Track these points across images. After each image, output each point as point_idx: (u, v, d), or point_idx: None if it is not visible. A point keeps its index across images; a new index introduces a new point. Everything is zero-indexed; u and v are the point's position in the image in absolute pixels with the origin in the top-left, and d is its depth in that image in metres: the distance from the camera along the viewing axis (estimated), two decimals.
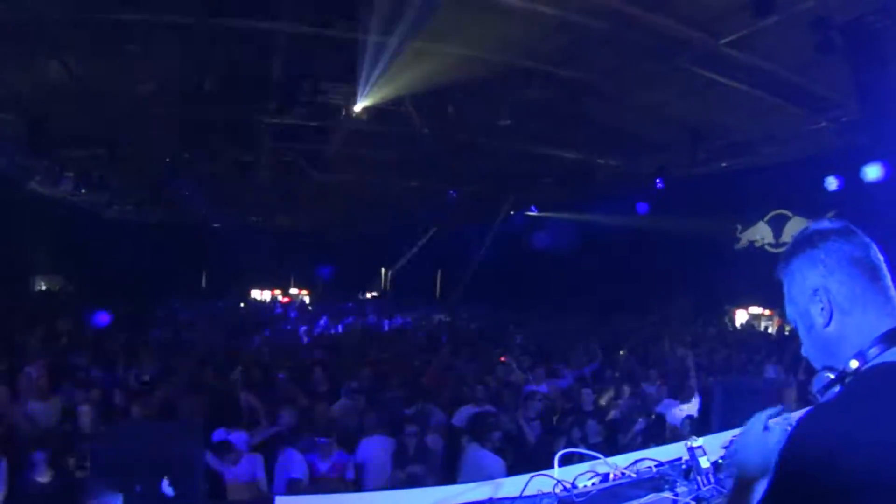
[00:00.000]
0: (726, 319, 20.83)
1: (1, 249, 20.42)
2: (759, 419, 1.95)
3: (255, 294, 34.90)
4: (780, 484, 1.67)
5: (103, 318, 17.10)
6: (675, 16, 10.23)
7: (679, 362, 13.13)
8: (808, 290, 1.88)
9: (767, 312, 19.59)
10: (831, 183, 13.88)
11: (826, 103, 13.10)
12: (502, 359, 14.01)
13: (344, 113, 13.52)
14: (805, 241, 1.94)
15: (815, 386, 1.86)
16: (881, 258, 1.87)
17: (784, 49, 11.03)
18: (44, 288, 28.43)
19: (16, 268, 23.62)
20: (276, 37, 11.07)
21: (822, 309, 1.83)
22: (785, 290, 1.98)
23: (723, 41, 10.67)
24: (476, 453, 8.12)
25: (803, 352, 1.95)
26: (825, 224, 1.94)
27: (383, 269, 36.67)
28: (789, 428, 1.81)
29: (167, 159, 18.46)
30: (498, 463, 7.90)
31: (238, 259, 30.77)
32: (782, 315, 2.09)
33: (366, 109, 13.34)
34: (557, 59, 12.11)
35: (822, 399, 1.84)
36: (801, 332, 1.93)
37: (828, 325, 1.83)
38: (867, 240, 1.90)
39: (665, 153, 17.23)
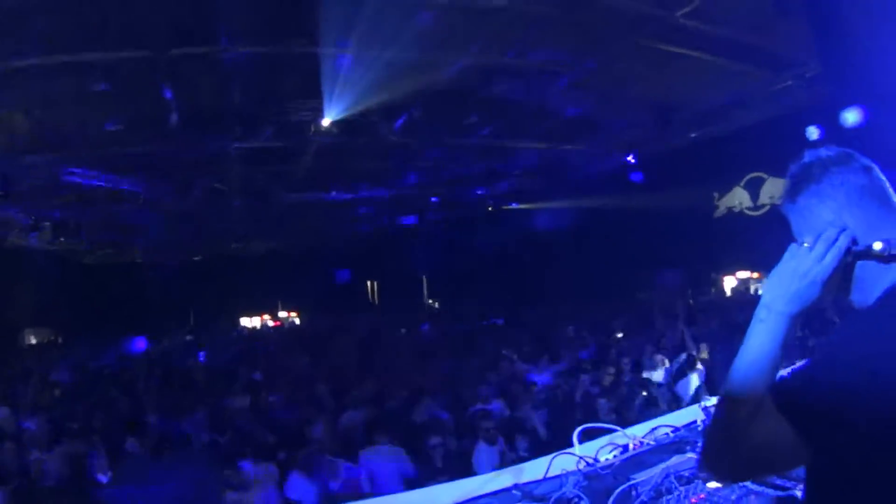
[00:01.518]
0: (712, 289, 20.94)
1: None
2: (792, 247, 1.88)
3: (245, 321, 34.71)
4: (812, 379, 1.73)
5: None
6: None
7: (677, 336, 13.22)
8: (821, 226, 1.84)
9: (755, 275, 19.69)
10: (812, 133, 13.91)
11: (788, 61, 13.15)
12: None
13: (312, 129, 13.46)
14: (807, 177, 1.91)
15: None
16: (884, 178, 1.87)
17: (740, 13, 11.10)
18: (33, 341, 28.15)
19: (4, 323, 23.50)
20: (234, 61, 11.03)
21: None
22: (793, 226, 1.95)
23: (680, 13, 10.67)
24: (478, 447, 8.24)
25: None
26: (822, 153, 1.92)
27: (369, 283, 36.60)
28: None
29: (140, 199, 18.31)
30: (488, 452, 8.00)
31: (223, 289, 30.66)
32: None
33: (333, 123, 13.34)
34: (516, 52, 12.11)
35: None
36: None
37: None
38: (867, 162, 1.89)
39: (634, 131, 17.24)
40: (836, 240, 1.79)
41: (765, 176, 18.70)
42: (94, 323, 26.72)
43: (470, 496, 3.20)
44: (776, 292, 1.82)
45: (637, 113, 16.06)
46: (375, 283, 36.49)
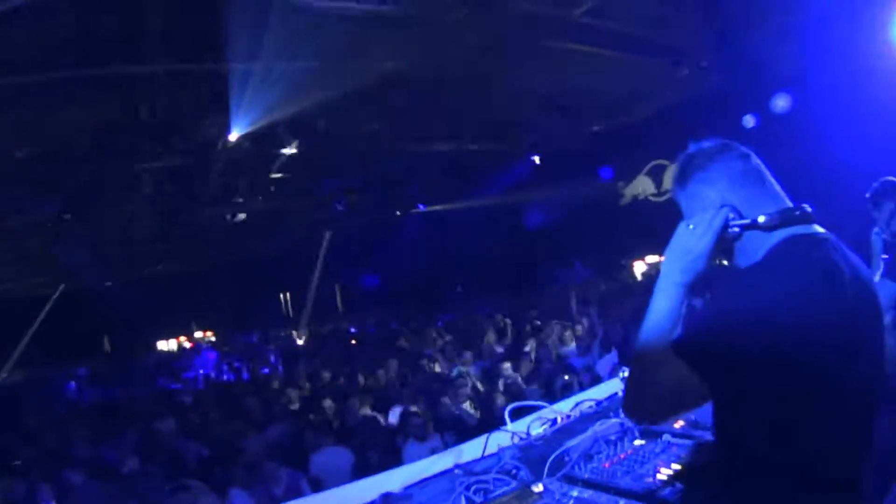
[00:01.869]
0: (624, 274, 21.39)
1: None
2: (681, 227, 2.25)
3: (161, 345, 33.95)
4: (704, 329, 2.06)
5: None
6: None
7: (591, 321, 13.63)
8: (708, 208, 2.20)
9: (663, 258, 20.14)
10: (749, 121, 14.62)
11: (684, 53, 13.59)
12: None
13: (221, 145, 13.34)
14: (694, 165, 2.27)
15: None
16: (760, 162, 2.22)
17: (636, 9, 11.49)
18: None
19: None
20: (141, 80, 10.94)
21: None
22: (684, 209, 2.29)
23: (578, 11, 10.98)
24: (408, 446, 8.43)
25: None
26: (705, 145, 2.28)
27: (281, 295, 36.24)
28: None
29: (48, 225, 17.75)
30: (419, 449, 8.18)
31: (137, 314, 29.93)
32: None
33: (243, 137, 13.29)
34: (417, 57, 12.23)
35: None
36: None
37: None
38: (744, 149, 2.25)
39: (537, 128, 17.50)
40: (713, 219, 2.16)
41: (666, 163, 19.23)
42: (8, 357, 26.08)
43: (415, 480, 3.40)
44: (670, 266, 2.25)
45: (537, 110, 16.37)
46: (288, 295, 36.26)
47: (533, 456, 3.24)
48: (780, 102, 13.52)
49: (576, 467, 2.96)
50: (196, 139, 13.31)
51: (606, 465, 2.94)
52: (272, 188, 19.34)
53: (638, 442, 3.10)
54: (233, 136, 12.99)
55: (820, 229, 2.16)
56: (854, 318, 1.99)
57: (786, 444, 1.95)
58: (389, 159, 18.42)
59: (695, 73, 14.33)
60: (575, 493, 2.71)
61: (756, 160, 2.23)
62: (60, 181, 15.03)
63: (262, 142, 14.23)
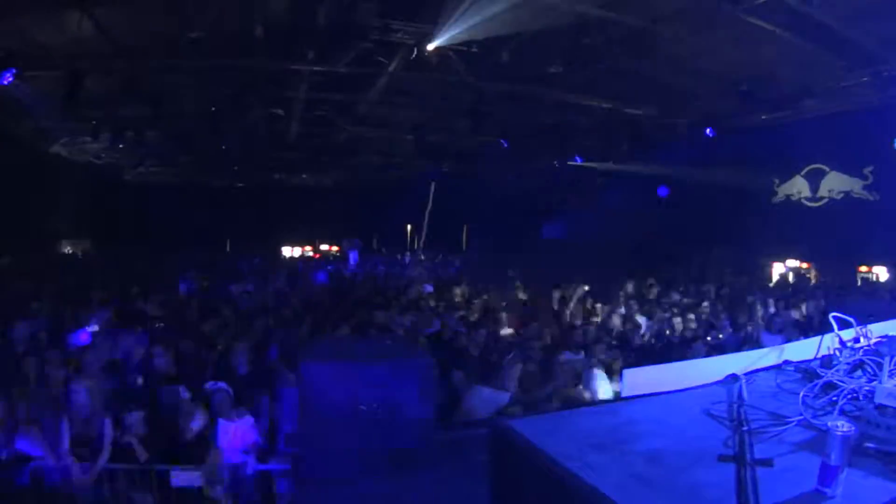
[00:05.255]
0: (759, 273, 20.62)
1: (27, 214, 20.20)
2: None
3: (286, 251, 34.32)
4: None
5: None
6: None
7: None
8: None
9: (805, 265, 19.48)
10: None
11: (870, 57, 13.04)
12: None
13: (415, 52, 13.06)
14: None
15: None
16: None
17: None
18: (70, 251, 27.85)
19: (43, 232, 23.36)
20: None
21: None
22: None
23: None
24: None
25: None
26: None
27: (409, 226, 36.18)
28: None
29: (209, 110, 17.82)
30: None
31: (265, 217, 30.19)
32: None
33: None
34: (617, 5, 11.89)
35: None
36: None
37: None
38: None
39: (708, 104, 17.15)
40: None
41: (826, 169, 18.64)
42: (131, 238, 26.70)
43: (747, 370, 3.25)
44: None
45: (714, 85, 15.89)
46: (414, 227, 36.32)
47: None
48: None
49: None
50: (389, 43, 13.02)
51: None
52: (428, 115, 19.29)
53: None
54: (431, 46, 12.65)
55: None
56: None
57: None
58: (559, 106, 18.00)
59: (874, 81, 13.75)
60: None
61: None
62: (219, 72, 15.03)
63: (427, 66, 13.88)
